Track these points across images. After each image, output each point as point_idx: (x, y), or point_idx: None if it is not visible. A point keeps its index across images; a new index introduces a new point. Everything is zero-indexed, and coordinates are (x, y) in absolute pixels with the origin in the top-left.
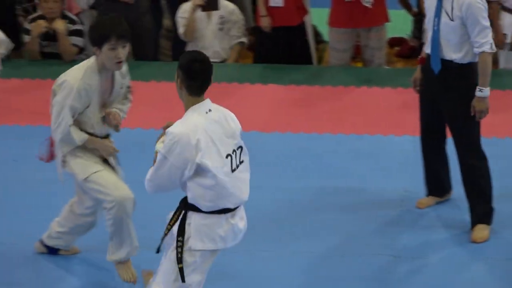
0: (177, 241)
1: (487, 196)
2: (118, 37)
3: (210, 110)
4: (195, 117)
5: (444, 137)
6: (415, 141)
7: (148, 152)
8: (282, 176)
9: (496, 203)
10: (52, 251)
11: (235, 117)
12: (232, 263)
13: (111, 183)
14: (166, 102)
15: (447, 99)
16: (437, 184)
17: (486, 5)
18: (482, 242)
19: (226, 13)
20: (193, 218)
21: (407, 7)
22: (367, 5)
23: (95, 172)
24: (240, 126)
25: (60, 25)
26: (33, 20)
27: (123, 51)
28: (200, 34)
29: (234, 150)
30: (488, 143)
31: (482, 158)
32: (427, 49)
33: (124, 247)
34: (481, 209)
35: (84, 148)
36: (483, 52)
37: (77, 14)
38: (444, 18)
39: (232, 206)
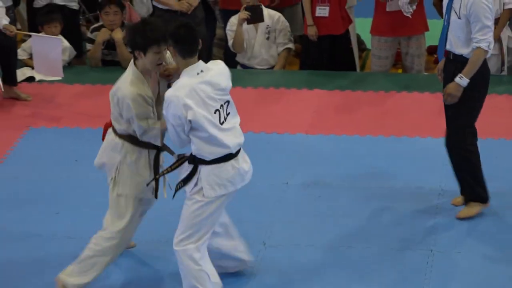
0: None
1: (479, 177)
2: (163, 42)
3: (201, 71)
4: (185, 79)
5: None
6: None
7: None
8: (325, 176)
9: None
10: None
11: (227, 74)
12: (275, 257)
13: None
14: None
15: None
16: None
17: (491, 6)
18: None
19: (271, 23)
20: (202, 171)
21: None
22: (407, 15)
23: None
24: (231, 84)
25: (118, 35)
26: (95, 29)
27: (165, 54)
28: (249, 44)
29: (221, 105)
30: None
31: (474, 145)
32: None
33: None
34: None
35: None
36: (478, 47)
37: None
38: (453, 16)
39: (232, 151)
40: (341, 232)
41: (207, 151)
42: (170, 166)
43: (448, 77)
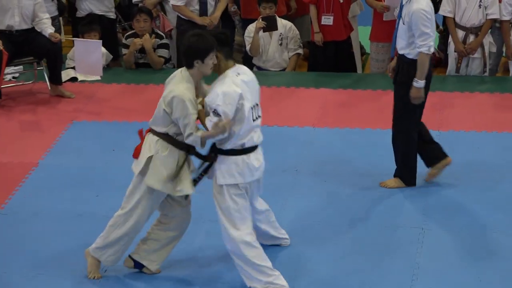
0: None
1: (411, 163)
2: (215, 46)
3: (238, 74)
4: (229, 78)
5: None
6: (440, 134)
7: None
8: (330, 163)
9: None
10: None
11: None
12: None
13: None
14: None
15: (397, 83)
16: (436, 154)
17: (430, 15)
18: (386, 187)
19: (284, 31)
20: (218, 161)
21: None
22: None
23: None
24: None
25: (148, 44)
26: (129, 36)
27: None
28: (264, 49)
29: (254, 106)
30: (497, 137)
31: (414, 136)
32: None
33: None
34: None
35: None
36: (421, 52)
37: (169, 31)
38: (401, 22)
39: (250, 145)
40: (343, 212)
41: (231, 142)
42: (204, 171)
43: (397, 71)
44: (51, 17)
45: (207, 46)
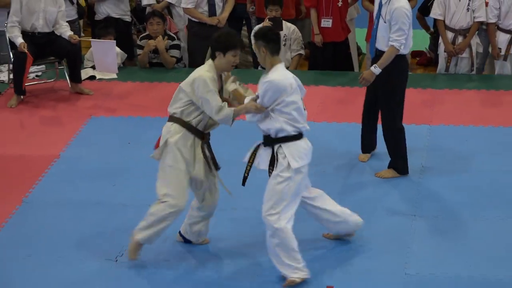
0: (269, 170)
1: (402, 153)
2: (240, 48)
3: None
4: (280, 71)
5: (378, 110)
6: (431, 128)
7: None
8: (330, 155)
9: None
10: None
11: None
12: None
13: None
14: None
15: (381, 79)
16: (371, 144)
17: (410, 15)
18: (381, 177)
19: (288, 33)
20: (284, 148)
21: (425, 27)
22: None
23: (173, 167)
24: None
25: (161, 45)
26: (143, 38)
27: (237, 60)
28: None
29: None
30: (484, 130)
31: (401, 127)
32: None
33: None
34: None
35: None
36: (392, 45)
37: (175, 33)
38: (381, 20)
39: (307, 130)
40: (341, 200)
41: (291, 129)
42: (249, 162)
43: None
44: (71, 20)
45: (230, 42)
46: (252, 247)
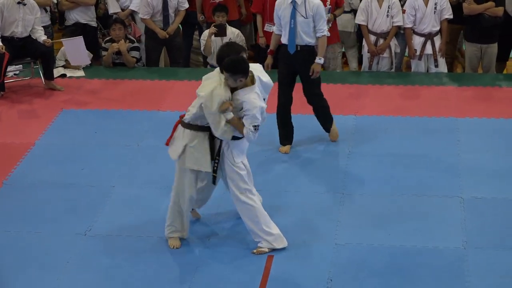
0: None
1: (328, 113)
2: (244, 52)
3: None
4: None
5: (291, 103)
6: (356, 118)
7: None
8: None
9: None
10: None
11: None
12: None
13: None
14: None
15: (304, 66)
16: (290, 136)
17: (324, 7)
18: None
19: (233, 37)
20: (233, 145)
21: None
22: None
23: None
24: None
25: (122, 46)
26: (107, 41)
27: None
28: (216, 51)
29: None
30: (402, 120)
31: (322, 94)
32: (283, 41)
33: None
34: (328, 121)
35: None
36: (323, 35)
37: (139, 36)
38: (299, 18)
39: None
40: (277, 180)
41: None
42: (218, 155)
43: (298, 63)
44: (45, 26)
45: (236, 52)
46: None
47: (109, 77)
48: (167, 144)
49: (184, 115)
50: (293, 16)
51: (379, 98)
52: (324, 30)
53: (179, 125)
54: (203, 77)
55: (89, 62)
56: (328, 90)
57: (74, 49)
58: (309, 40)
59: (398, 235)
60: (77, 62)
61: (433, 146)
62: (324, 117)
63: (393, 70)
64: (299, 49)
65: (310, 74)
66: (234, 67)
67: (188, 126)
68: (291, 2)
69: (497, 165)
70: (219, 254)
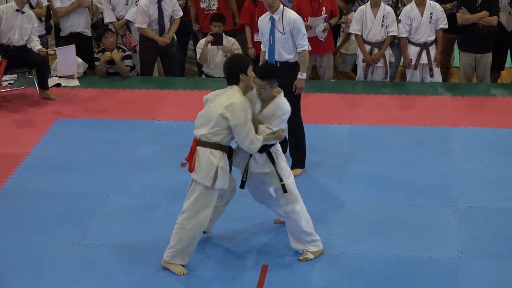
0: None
1: (302, 148)
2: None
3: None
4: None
5: None
6: (351, 128)
7: None
8: None
9: None
10: None
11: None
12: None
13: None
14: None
15: (284, 84)
16: (284, 146)
17: (303, 21)
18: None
19: (229, 45)
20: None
21: None
22: (321, 39)
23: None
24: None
25: (116, 56)
26: (100, 51)
27: None
28: (212, 59)
29: None
30: (396, 129)
31: (300, 121)
32: (266, 57)
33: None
34: (297, 157)
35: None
36: (304, 50)
37: (134, 46)
38: (278, 34)
39: None
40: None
41: None
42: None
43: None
44: (40, 35)
45: (244, 61)
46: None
47: (103, 86)
48: (190, 171)
49: (198, 138)
50: (272, 32)
51: (374, 108)
52: (304, 45)
53: (202, 147)
54: (209, 97)
55: (75, 72)
56: (323, 99)
57: (65, 57)
58: (288, 56)
59: (393, 245)
60: (64, 72)
61: (427, 156)
62: (298, 151)
63: (387, 79)
64: (278, 65)
65: (293, 90)
66: (269, 73)
67: (218, 146)
68: (270, 18)
69: (492, 175)
70: (213, 264)
